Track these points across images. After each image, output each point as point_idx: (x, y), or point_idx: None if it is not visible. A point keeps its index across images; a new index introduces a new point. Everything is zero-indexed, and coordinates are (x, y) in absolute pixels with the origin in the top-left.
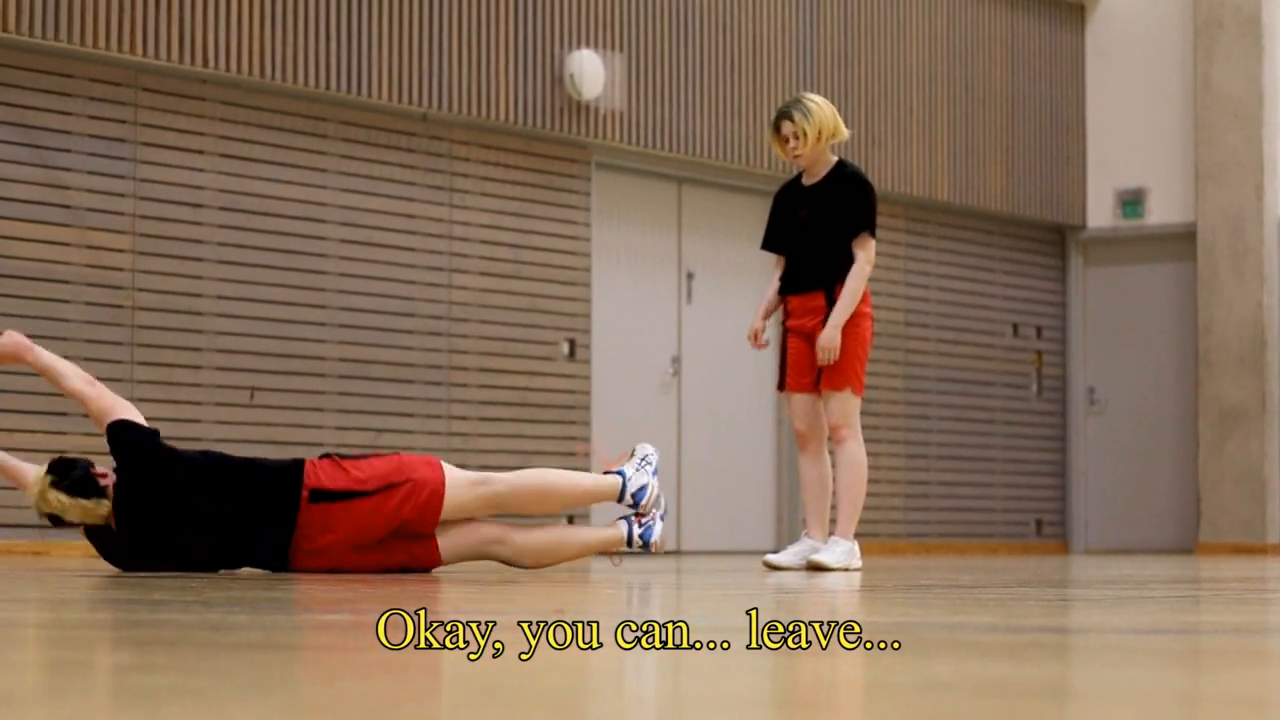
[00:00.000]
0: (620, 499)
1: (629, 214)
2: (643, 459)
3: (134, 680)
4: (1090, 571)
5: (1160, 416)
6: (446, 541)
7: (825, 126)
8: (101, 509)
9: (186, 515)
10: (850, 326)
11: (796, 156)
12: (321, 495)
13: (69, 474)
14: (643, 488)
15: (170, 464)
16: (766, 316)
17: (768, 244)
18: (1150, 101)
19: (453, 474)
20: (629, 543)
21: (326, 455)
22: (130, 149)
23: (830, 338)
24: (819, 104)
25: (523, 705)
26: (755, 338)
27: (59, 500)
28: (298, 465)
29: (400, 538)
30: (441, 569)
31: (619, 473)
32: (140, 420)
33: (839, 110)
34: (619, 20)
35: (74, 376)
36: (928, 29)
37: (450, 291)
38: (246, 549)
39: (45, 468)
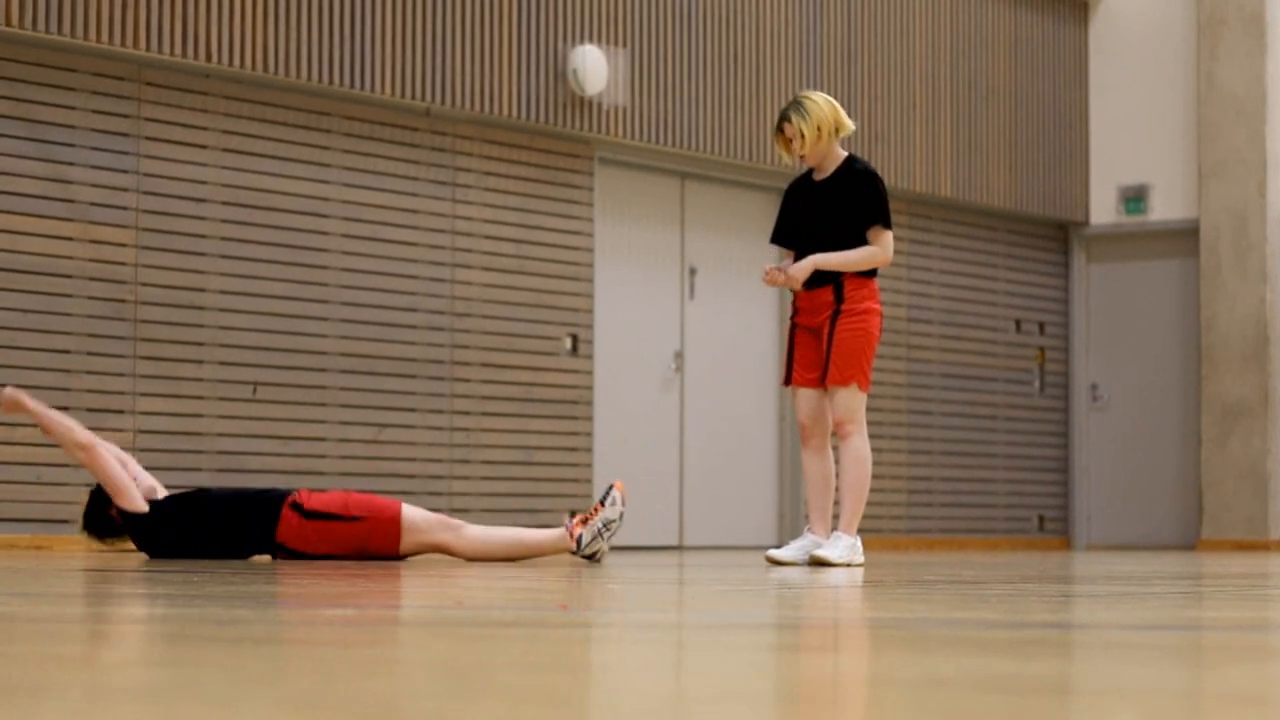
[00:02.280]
0: (575, 552)
1: (632, 209)
2: (604, 524)
3: (136, 675)
4: (1092, 567)
5: (1163, 413)
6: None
7: (825, 123)
8: (125, 542)
9: (189, 547)
10: (858, 322)
11: (801, 157)
12: (298, 507)
13: (94, 525)
14: (594, 554)
15: (168, 525)
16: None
17: (777, 238)
18: (1153, 98)
19: (409, 523)
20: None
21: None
22: (133, 144)
23: (802, 267)
24: (817, 102)
25: (526, 701)
26: (769, 270)
27: (94, 543)
28: (275, 504)
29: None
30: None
31: (578, 538)
32: (136, 497)
33: (844, 105)
34: (622, 16)
35: (79, 433)
36: (931, 25)
37: (453, 287)
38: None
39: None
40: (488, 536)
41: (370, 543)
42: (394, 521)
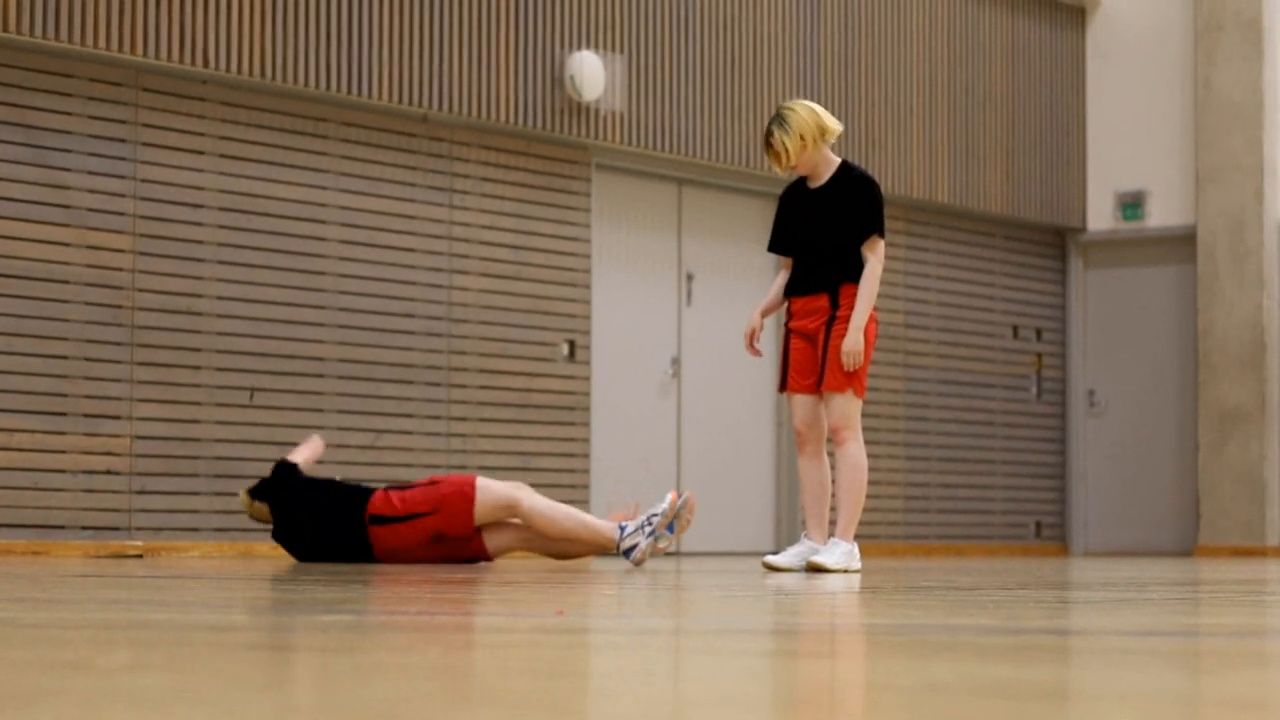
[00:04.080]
0: (616, 549)
1: (629, 215)
2: (647, 518)
3: (134, 681)
4: (1090, 573)
5: (1160, 419)
6: (492, 542)
7: (807, 131)
8: (263, 512)
9: (295, 525)
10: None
11: (792, 168)
12: (377, 520)
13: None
14: (633, 547)
15: (284, 492)
16: (765, 315)
17: (774, 246)
18: (1150, 104)
19: (484, 494)
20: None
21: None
22: (130, 149)
23: (854, 341)
24: (797, 111)
25: (524, 707)
26: (751, 339)
27: (244, 497)
28: (363, 495)
29: (449, 540)
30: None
31: (622, 527)
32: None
33: (840, 110)
34: (619, 21)
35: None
36: (928, 31)
37: (450, 292)
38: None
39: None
40: (549, 511)
41: (449, 525)
42: (468, 497)
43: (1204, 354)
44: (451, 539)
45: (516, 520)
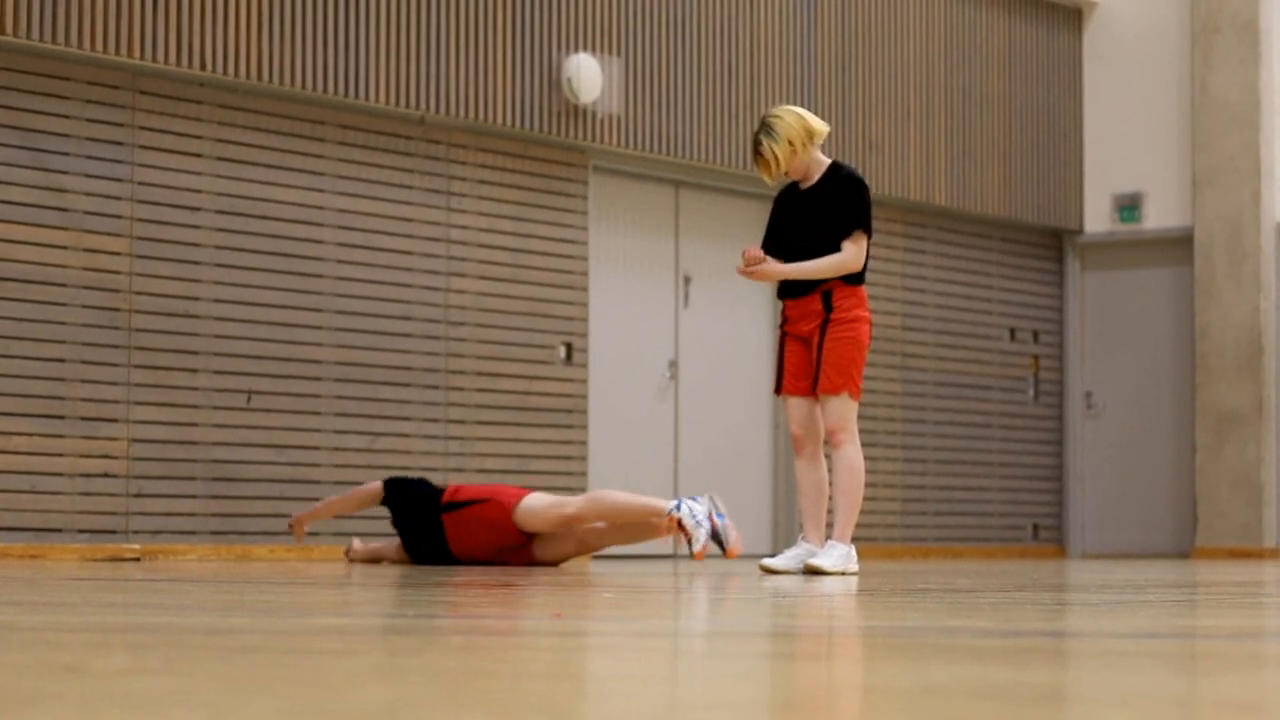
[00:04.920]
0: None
1: (626, 218)
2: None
3: (131, 684)
4: (1087, 576)
5: (1157, 421)
6: (547, 551)
7: (795, 136)
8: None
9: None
10: (848, 330)
11: (784, 175)
12: (449, 506)
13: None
14: (687, 509)
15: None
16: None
17: (767, 248)
18: (1148, 106)
19: (530, 499)
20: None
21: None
22: (128, 152)
23: (769, 270)
24: (782, 117)
25: (521, 710)
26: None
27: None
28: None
29: (506, 548)
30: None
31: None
32: (366, 490)
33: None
34: (616, 24)
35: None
36: (925, 34)
37: (448, 295)
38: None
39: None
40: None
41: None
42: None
43: (1201, 356)
44: (508, 546)
45: (572, 531)
